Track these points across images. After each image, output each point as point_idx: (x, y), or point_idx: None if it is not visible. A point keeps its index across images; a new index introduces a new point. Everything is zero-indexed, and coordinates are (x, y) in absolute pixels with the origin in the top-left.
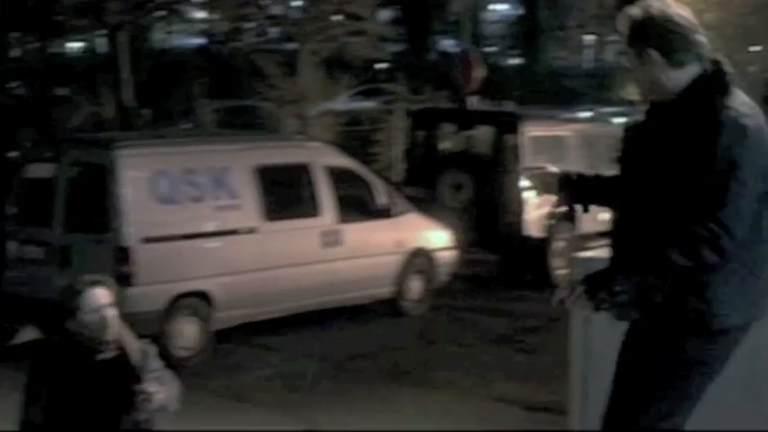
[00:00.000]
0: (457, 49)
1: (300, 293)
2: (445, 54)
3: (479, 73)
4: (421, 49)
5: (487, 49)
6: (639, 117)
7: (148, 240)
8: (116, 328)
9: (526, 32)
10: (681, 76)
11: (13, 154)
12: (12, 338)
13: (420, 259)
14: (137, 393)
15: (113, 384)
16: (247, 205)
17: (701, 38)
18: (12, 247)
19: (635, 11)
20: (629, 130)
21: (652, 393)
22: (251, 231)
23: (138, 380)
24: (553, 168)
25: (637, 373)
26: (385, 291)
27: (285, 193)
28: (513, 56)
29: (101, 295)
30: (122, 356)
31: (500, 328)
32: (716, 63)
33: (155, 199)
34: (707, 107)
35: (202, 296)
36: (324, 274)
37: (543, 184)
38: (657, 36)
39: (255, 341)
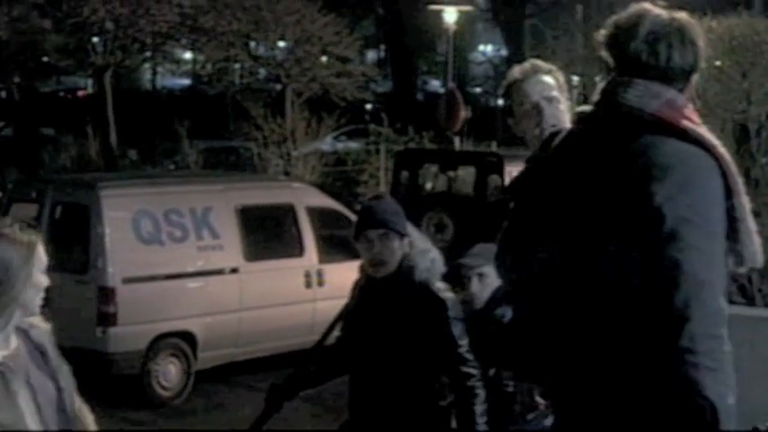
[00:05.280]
0: (442, 90)
1: (283, 333)
2: (430, 95)
3: (464, 114)
4: (406, 90)
5: (473, 90)
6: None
7: (131, 280)
8: None
9: None
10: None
11: None
12: None
13: None
14: None
15: None
16: (230, 245)
17: None
18: None
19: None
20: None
21: None
22: (234, 271)
23: None
24: None
25: None
26: None
27: (268, 234)
28: (499, 97)
29: None
30: None
31: None
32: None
33: (137, 239)
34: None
35: (185, 336)
36: (306, 315)
37: None
38: None
39: (237, 381)
